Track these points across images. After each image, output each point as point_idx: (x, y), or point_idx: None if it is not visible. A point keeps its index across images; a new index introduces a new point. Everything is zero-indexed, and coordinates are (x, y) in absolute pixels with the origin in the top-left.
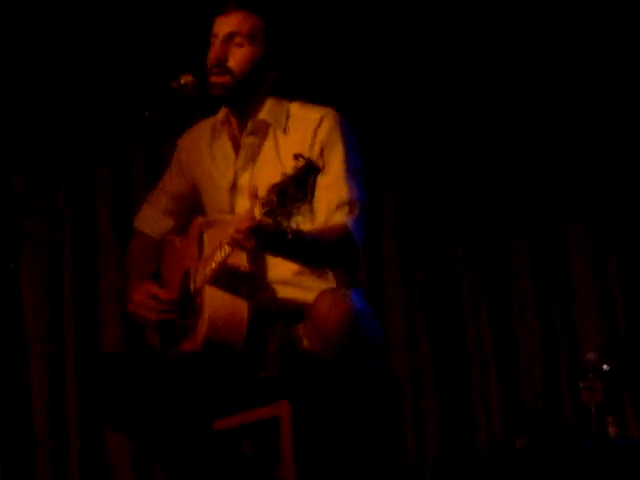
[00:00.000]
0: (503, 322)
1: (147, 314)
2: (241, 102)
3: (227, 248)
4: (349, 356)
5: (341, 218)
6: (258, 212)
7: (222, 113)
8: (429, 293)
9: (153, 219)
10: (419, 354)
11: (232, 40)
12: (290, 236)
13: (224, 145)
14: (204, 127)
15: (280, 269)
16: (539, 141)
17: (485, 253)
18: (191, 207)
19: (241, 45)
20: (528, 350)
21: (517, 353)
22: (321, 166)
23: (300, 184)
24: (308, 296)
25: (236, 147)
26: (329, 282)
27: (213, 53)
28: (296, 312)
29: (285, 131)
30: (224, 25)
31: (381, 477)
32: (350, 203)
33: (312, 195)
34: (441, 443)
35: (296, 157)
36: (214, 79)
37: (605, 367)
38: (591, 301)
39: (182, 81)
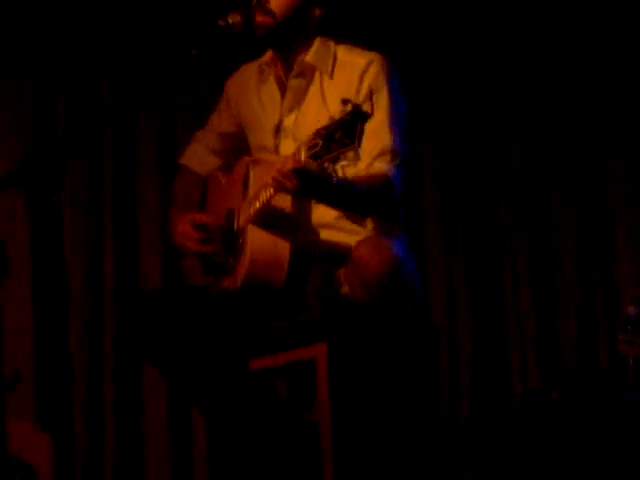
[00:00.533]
0: (542, 273)
1: (189, 244)
2: (285, 43)
3: (271, 189)
4: (388, 303)
5: (382, 166)
6: (303, 155)
7: (268, 55)
8: (469, 244)
9: (200, 156)
10: (457, 304)
11: None
12: (334, 181)
13: (270, 86)
14: (251, 68)
15: (323, 212)
16: (582, 97)
17: (527, 203)
18: (237, 147)
19: None
20: (566, 300)
21: (555, 303)
22: (370, 112)
23: (347, 129)
24: (349, 239)
25: (282, 89)
26: (367, 228)
27: None
28: (337, 255)
29: (331, 75)
30: None
31: (416, 423)
32: (392, 152)
33: (359, 141)
34: (476, 392)
35: (345, 102)
36: (257, 19)
37: None
38: (631, 253)
39: (230, 20)
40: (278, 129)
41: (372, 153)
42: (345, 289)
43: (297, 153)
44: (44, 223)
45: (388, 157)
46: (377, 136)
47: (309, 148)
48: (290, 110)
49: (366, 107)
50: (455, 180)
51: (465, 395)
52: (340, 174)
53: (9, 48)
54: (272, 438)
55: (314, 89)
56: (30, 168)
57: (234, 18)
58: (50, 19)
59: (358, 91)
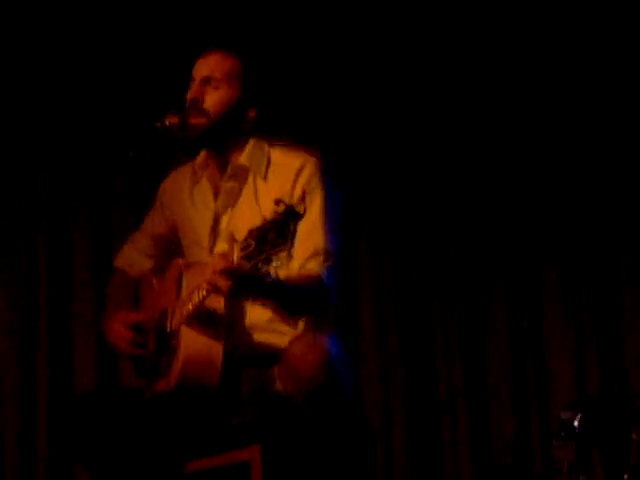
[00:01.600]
0: (476, 377)
1: (123, 344)
2: (218, 144)
3: (204, 290)
4: (322, 400)
5: (315, 267)
6: (236, 255)
7: (201, 156)
8: (404, 346)
9: (133, 259)
10: (392, 406)
11: (209, 83)
12: (267, 281)
13: (203, 189)
14: (185, 170)
15: (255, 314)
16: (517, 195)
17: (461, 306)
18: (171, 249)
19: (217, 87)
20: (500, 405)
21: (488, 407)
22: (302, 212)
23: (280, 230)
24: (282, 341)
25: (215, 191)
26: (299, 328)
27: (190, 95)
28: (270, 356)
29: (265, 177)
30: (201, 68)
31: None
32: (325, 252)
33: (292, 242)
34: None
35: (277, 202)
36: (190, 121)
37: (577, 424)
38: (564, 358)
39: (167, 122)
40: (212, 231)
41: (305, 254)
42: (278, 386)
43: (230, 254)
44: None
45: (321, 258)
46: (310, 237)
47: (242, 249)
48: (224, 212)
49: (299, 207)
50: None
51: None
52: (273, 274)
53: None
54: None
55: (247, 191)
56: None
57: (171, 120)
58: None
59: (292, 193)
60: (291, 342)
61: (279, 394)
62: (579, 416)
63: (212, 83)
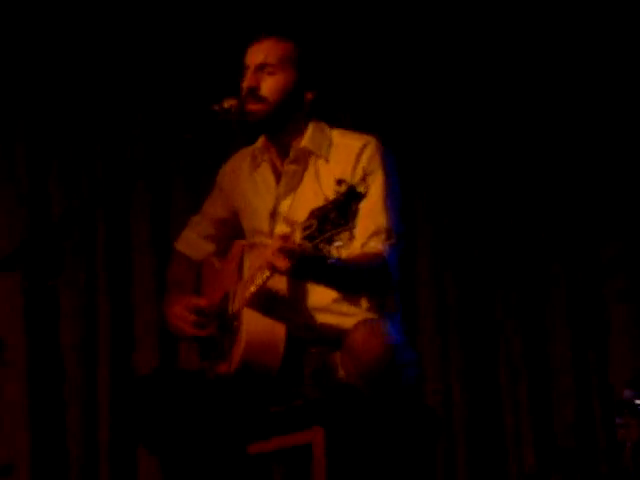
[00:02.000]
0: (537, 356)
1: (185, 327)
2: (278, 129)
3: (266, 271)
4: (384, 388)
5: (377, 245)
6: (298, 236)
7: (261, 141)
8: (463, 327)
9: (194, 243)
10: (451, 388)
11: (264, 69)
12: (328, 262)
13: (265, 172)
14: (245, 155)
15: (319, 295)
16: (584, 176)
17: (521, 287)
18: (232, 232)
19: (273, 73)
20: (562, 385)
21: (551, 388)
22: (364, 192)
23: (342, 210)
24: (345, 322)
25: (276, 174)
26: (362, 308)
27: (245, 83)
28: (333, 338)
29: (327, 159)
30: (255, 55)
31: None
32: (387, 231)
33: (353, 222)
34: (473, 477)
35: (339, 182)
36: (248, 107)
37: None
38: (625, 336)
39: (225, 105)
40: (273, 214)
41: (367, 232)
42: (341, 373)
43: (292, 234)
44: (40, 308)
45: (383, 236)
46: (372, 216)
47: (304, 229)
48: (285, 195)
49: (360, 188)
50: (450, 262)
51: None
52: (335, 254)
53: (5, 121)
54: None
55: (310, 173)
56: (26, 253)
57: (229, 102)
58: (44, 105)
59: (353, 173)
60: (352, 329)
61: (341, 380)
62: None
63: (267, 69)
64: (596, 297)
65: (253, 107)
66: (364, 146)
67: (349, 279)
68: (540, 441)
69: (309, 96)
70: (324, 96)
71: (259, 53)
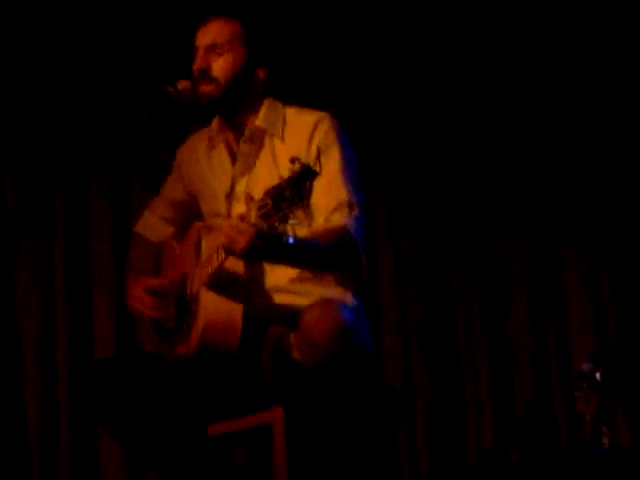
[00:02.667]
0: (496, 330)
1: (144, 309)
2: (231, 109)
3: (223, 252)
4: (338, 368)
5: (340, 219)
6: (253, 215)
7: (216, 122)
8: (422, 303)
9: (153, 225)
10: (411, 363)
11: (213, 50)
12: (285, 239)
13: (221, 153)
14: (201, 136)
15: (276, 276)
16: (535, 145)
17: (480, 260)
18: (191, 214)
19: (222, 53)
20: (521, 358)
21: (511, 361)
22: (318, 170)
23: (296, 188)
24: (304, 302)
25: (232, 155)
26: (330, 286)
27: (196, 65)
28: (292, 317)
29: (282, 137)
30: (203, 36)
31: None
32: (349, 204)
33: (308, 199)
34: (433, 452)
35: (292, 161)
36: (201, 89)
37: (598, 377)
38: (583, 309)
39: (179, 86)
40: (230, 194)
41: (328, 207)
42: (295, 353)
43: (247, 213)
44: None
45: (345, 209)
46: (332, 191)
47: (259, 208)
48: (242, 175)
49: (315, 165)
50: (407, 230)
51: (422, 455)
52: (291, 233)
53: None
54: None
55: (265, 152)
56: None
57: (182, 84)
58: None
59: (308, 150)
60: (305, 310)
61: (296, 362)
62: (600, 368)
63: (216, 49)
64: (555, 268)
65: (205, 88)
66: (318, 122)
67: (311, 255)
68: (499, 415)
69: (261, 74)
70: (278, 74)
71: (207, 34)
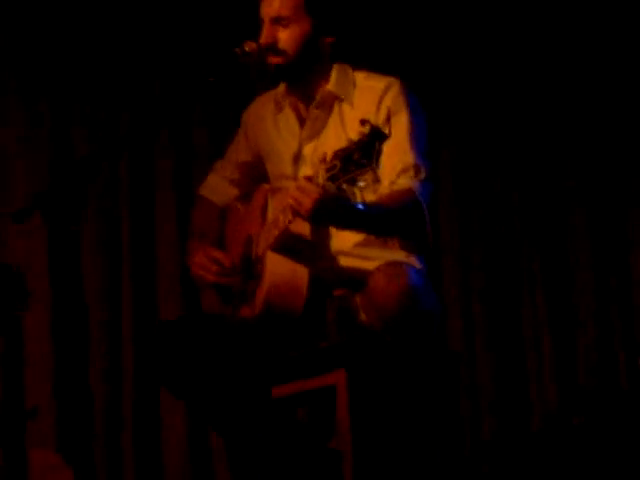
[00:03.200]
0: (560, 298)
1: (207, 275)
2: (300, 77)
3: (289, 214)
4: (404, 331)
5: (406, 182)
6: (321, 177)
7: (283, 86)
8: (487, 270)
9: (218, 187)
10: (474, 328)
11: (279, 22)
12: (352, 203)
13: (288, 116)
14: (268, 98)
15: (342, 240)
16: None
17: (545, 230)
18: (256, 176)
19: (287, 25)
20: (585, 325)
21: (574, 329)
22: (387, 133)
23: (365, 150)
24: (369, 266)
25: (300, 118)
26: (394, 250)
27: (262, 39)
28: (356, 281)
29: (351, 103)
30: (268, 7)
31: (436, 448)
32: (415, 167)
33: (377, 162)
34: (496, 416)
35: (362, 123)
36: (269, 59)
37: None
38: None
39: (246, 48)
40: (297, 158)
41: (395, 170)
42: (362, 315)
43: (315, 175)
44: (63, 253)
45: (411, 172)
46: (399, 154)
47: (327, 170)
48: (310, 138)
49: (384, 128)
50: (472, 198)
51: (485, 418)
52: (359, 197)
53: (28, 72)
54: (293, 466)
55: (334, 118)
56: (48, 198)
57: (250, 46)
58: (69, 48)
59: (377, 114)
60: (372, 273)
61: (363, 323)
62: None
63: (282, 21)
64: (621, 243)
65: (273, 60)
66: (387, 87)
67: (379, 219)
68: (562, 381)
69: (328, 42)
70: (345, 40)
71: (272, 6)
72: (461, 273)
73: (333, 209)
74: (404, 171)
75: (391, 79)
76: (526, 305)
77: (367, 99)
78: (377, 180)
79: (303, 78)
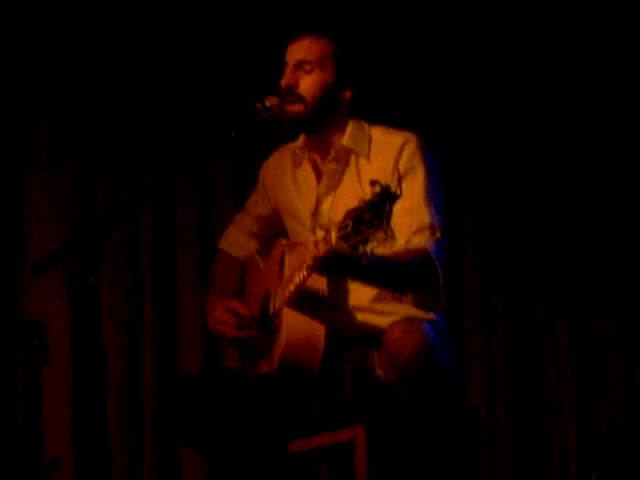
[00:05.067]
0: (581, 358)
1: (226, 329)
2: (317, 127)
3: (305, 271)
4: (421, 388)
5: (421, 242)
6: (334, 236)
7: (301, 139)
8: (509, 319)
9: (237, 240)
10: (496, 381)
11: (302, 67)
12: (365, 261)
13: (305, 170)
14: (286, 152)
15: (358, 295)
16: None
17: (565, 277)
18: (274, 230)
19: (310, 71)
20: (607, 383)
21: (596, 387)
22: (398, 193)
23: (376, 210)
24: (386, 321)
25: (317, 173)
26: (408, 306)
27: (284, 81)
28: (372, 337)
29: (368, 157)
30: (294, 52)
31: None
32: (431, 227)
33: (388, 222)
34: (516, 474)
35: (372, 183)
36: (288, 107)
37: None
38: None
39: (267, 103)
40: (315, 213)
41: (410, 230)
42: (378, 372)
43: (328, 235)
44: (82, 306)
45: (427, 232)
46: (414, 213)
47: (340, 229)
48: (327, 194)
49: (396, 188)
50: (495, 256)
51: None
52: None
53: (53, 127)
54: None
55: (350, 172)
56: (69, 250)
57: (271, 101)
58: (93, 104)
59: (394, 171)
60: (389, 328)
61: (380, 380)
62: None
63: (305, 67)
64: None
65: (292, 107)
66: (404, 143)
67: (391, 275)
68: (584, 441)
69: (347, 94)
70: (363, 94)
71: (298, 50)
72: (483, 318)
73: (345, 267)
74: (419, 231)
75: (408, 135)
76: (548, 367)
77: (384, 155)
78: (389, 238)
79: (320, 129)
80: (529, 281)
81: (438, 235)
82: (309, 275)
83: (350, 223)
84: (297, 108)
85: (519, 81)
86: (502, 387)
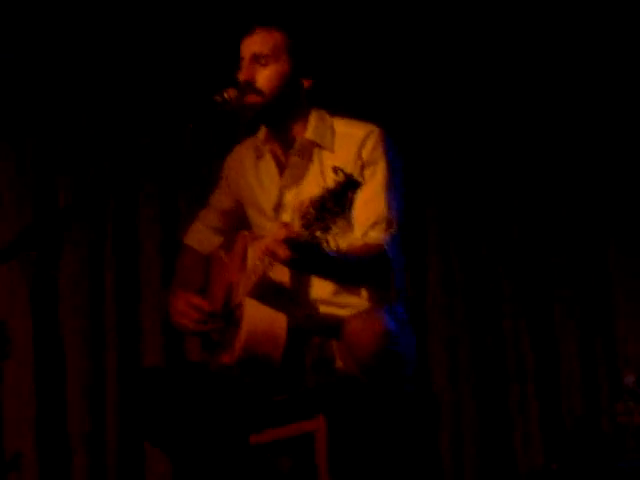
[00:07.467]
0: (544, 343)
1: (187, 323)
2: (277, 119)
3: (266, 260)
4: (381, 377)
5: (377, 235)
6: (297, 224)
7: (262, 132)
8: (471, 315)
9: (202, 235)
10: (458, 374)
11: (258, 61)
12: (325, 250)
13: (268, 163)
14: (248, 145)
15: (320, 287)
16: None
17: (527, 273)
18: (238, 223)
19: (266, 65)
20: (568, 370)
21: (558, 373)
22: (361, 181)
23: (338, 198)
24: (346, 313)
25: (280, 166)
26: (362, 299)
27: (241, 76)
28: (334, 328)
29: (332, 151)
30: (248, 47)
31: None
32: (387, 220)
33: (350, 210)
34: (479, 462)
35: (335, 171)
36: (246, 99)
37: None
38: (632, 322)
39: (226, 95)
40: (278, 206)
41: (367, 222)
42: (338, 362)
43: (291, 222)
44: (42, 298)
45: (383, 226)
46: (372, 205)
47: (302, 217)
48: (290, 186)
49: (358, 177)
50: (456, 247)
51: (468, 466)
52: (332, 244)
53: (14, 117)
54: None
55: (314, 165)
56: (28, 242)
57: (230, 93)
58: (52, 98)
59: (356, 162)
60: (348, 319)
61: (340, 369)
62: None
63: (261, 61)
64: (603, 284)
65: (251, 99)
66: (367, 135)
67: (347, 269)
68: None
69: (306, 84)
70: (323, 84)
71: (252, 45)
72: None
73: (307, 255)
74: (376, 223)
75: (371, 127)
76: (510, 349)
77: (347, 147)
78: (350, 226)
79: (281, 122)
80: (491, 276)
81: (394, 228)
82: (271, 265)
83: (312, 211)
84: (256, 100)
85: (482, 73)
86: (463, 377)
